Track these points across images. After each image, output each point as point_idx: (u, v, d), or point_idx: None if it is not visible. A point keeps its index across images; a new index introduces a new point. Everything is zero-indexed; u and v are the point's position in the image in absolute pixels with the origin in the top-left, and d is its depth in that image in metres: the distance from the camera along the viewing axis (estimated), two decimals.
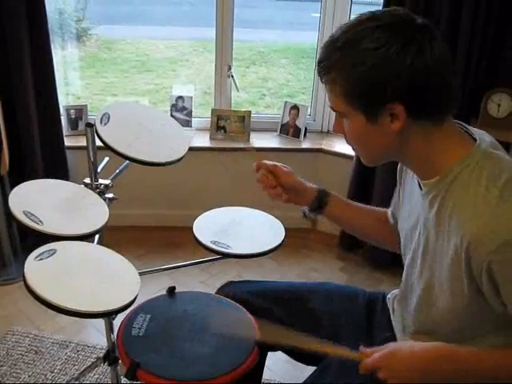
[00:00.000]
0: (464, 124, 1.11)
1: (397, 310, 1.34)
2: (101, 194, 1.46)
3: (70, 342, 2.18)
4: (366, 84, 0.96)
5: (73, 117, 2.77)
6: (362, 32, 0.96)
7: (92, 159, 1.43)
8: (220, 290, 1.53)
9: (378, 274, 2.75)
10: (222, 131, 2.88)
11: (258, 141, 2.92)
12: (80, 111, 2.78)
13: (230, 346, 1.29)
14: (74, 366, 2.07)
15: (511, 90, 2.34)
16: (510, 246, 0.92)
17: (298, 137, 2.92)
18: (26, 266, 1.05)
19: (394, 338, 1.31)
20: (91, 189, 1.46)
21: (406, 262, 1.24)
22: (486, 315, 1.07)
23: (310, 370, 1.34)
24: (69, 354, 2.13)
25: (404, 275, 1.26)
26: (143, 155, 1.51)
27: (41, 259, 1.09)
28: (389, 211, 1.44)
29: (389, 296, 1.42)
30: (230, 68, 2.85)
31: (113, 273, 1.18)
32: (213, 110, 2.88)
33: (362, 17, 0.98)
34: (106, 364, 1.67)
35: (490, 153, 1.02)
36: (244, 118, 2.87)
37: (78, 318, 2.26)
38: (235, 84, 2.89)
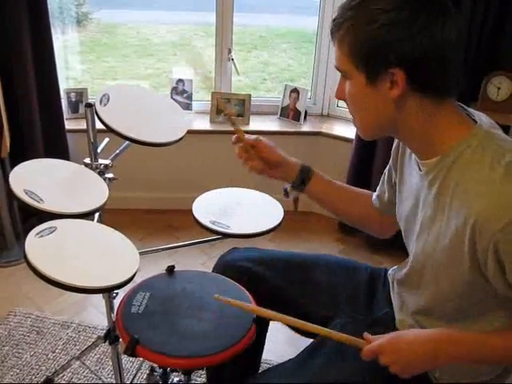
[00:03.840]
0: (463, 105, 1.10)
1: (396, 289, 1.35)
2: (101, 173, 1.47)
3: (71, 323, 2.21)
4: (372, 44, 0.96)
5: (73, 100, 2.77)
6: None
7: (92, 139, 1.44)
8: (223, 257, 1.54)
9: (377, 256, 2.76)
10: (222, 114, 2.88)
11: (259, 123, 2.92)
12: (80, 94, 2.78)
13: (228, 323, 1.30)
14: (76, 346, 2.10)
15: (510, 72, 2.35)
16: None
17: (298, 120, 2.92)
18: (26, 242, 1.07)
19: (392, 314, 1.32)
20: (91, 169, 1.47)
21: (409, 245, 1.23)
22: (486, 295, 1.07)
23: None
24: (70, 334, 2.16)
25: (409, 258, 1.25)
26: (142, 136, 1.52)
27: (41, 236, 1.10)
28: (374, 195, 1.43)
29: (390, 272, 1.42)
30: (230, 51, 2.85)
31: (112, 250, 1.20)
32: (213, 94, 2.89)
33: None
34: (106, 343, 1.68)
35: (491, 133, 1.02)
36: (244, 101, 2.87)
37: (78, 299, 2.34)
38: (236, 67, 2.89)
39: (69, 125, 2.71)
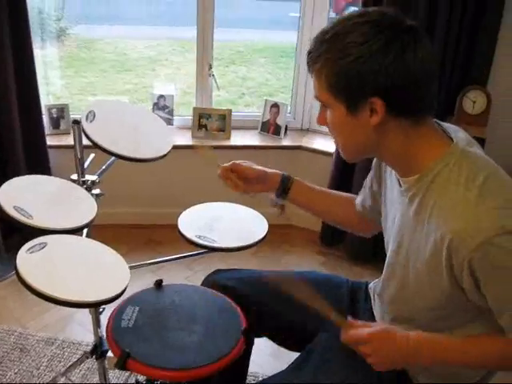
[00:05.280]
0: (439, 121, 1.14)
1: (377, 301, 1.39)
2: (88, 189, 1.49)
3: (55, 339, 2.20)
4: (348, 76, 1.00)
5: (54, 116, 2.77)
6: (351, 26, 0.99)
7: (79, 156, 1.45)
8: (208, 277, 1.57)
9: (358, 268, 2.81)
10: (204, 129, 2.91)
11: (239, 138, 2.96)
12: (62, 110, 2.78)
13: (217, 335, 1.32)
14: (60, 362, 2.09)
15: (485, 87, 2.43)
16: (489, 244, 0.96)
17: (279, 134, 2.96)
18: (18, 258, 1.08)
19: None
20: (78, 185, 1.48)
21: (387, 258, 1.27)
22: (466, 306, 1.11)
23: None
24: (54, 350, 2.14)
25: (384, 269, 1.30)
26: (129, 152, 1.54)
27: (32, 252, 1.11)
28: (357, 201, 1.47)
29: (370, 285, 1.47)
30: (210, 67, 2.88)
31: (103, 264, 1.21)
32: (194, 109, 2.91)
33: (352, 13, 1.02)
34: (93, 358, 1.68)
35: (467, 152, 1.06)
36: (225, 116, 2.91)
37: (62, 315, 2.33)
38: (216, 83, 2.93)
39: (50, 141, 2.71)
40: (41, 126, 2.61)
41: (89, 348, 2.15)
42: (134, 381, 1.83)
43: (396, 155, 1.10)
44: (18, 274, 1.06)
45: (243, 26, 6.53)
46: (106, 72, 5.32)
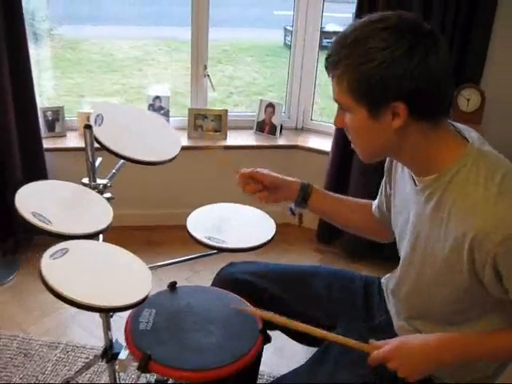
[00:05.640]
0: (452, 122, 1.16)
1: (390, 297, 1.42)
2: (99, 193, 1.49)
3: (58, 343, 2.19)
4: (371, 82, 1.01)
5: (50, 119, 2.76)
6: (371, 32, 1.01)
7: (91, 159, 1.45)
8: (221, 271, 1.58)
9: (355, 265, 2.84)
10: (200, 130, 2.91)
11: (235, 139, 2.96)
12: (57, 113, 2.77)
13: (235, 335, 1.34)
14: (65, 366, 2.08)
15: (478, 85, 2.47)
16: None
17: (274, 134, 2.98)
18: (42, 265, 1.08)
19: (389, 320, 1.38)
20: (90, 188, 1.48)
21: (402, 255, 1.29)
22: (483, 299, 1.14)
23: (298, 360, 1.39)
24: (58, 355, 2.14)
25: (399, 267, 1.32)
26: (139, 155, 1.55)
27: (55, 258, 1.11)
28: (373, 204, 1.50)
29: (383, 280, 1.49)
30: (205, 68, 2.89)
31: (125, 268, 1.22)
32: (190, 110, 2.92)
33: (372, 17, 1.03)
34: (103, 362, 1.68)
35: (483, 152, 1.09)
36: (221, 116, 2.91)
37: (63, 319, 2.32)
38: (211, 83, 2.93)
39: (46, 144, 2.69)
40: (37, 129, 2.59)
41: (93, 351, 2.18)
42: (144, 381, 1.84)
43: (414, 157, 1.12)
44: (44, 281, 1.06)
45: (227, 24, 6.53)
46: (93, 73, 5.27)
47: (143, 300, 1.12)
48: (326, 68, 1.09)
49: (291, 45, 2.97)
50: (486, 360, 1.23)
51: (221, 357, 1.27)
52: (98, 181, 1.51)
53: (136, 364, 1.24)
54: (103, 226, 1.27)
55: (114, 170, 1.58)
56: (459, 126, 1.18)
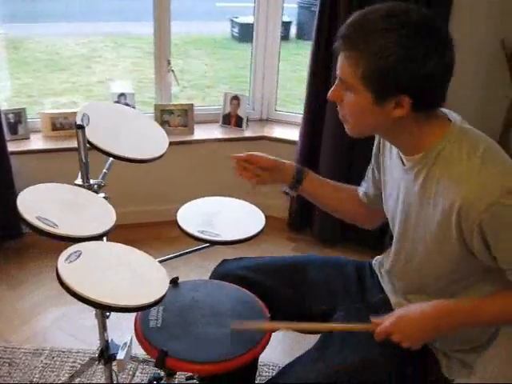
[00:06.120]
0: None
1: (385, 277, 1.48)
2: (95, 193, 1.48)
3: (43, 350, 2.15)
4: (385, 74, 1.06)
5: (12, 121, 2.67)
6: (394, 25, 1.04)
7: (84, 160, 1.43)
8: (216, 269, 1.60)
9: (328, 250, 2.90)
10: (166, 126, 2.90)
11: (202, 133, 2.97)
12: (19, 115, 2.68)
13: None
14: (53, 372, 2.05)
15: None
16: (495, 205, 1.06)
17: (241, 126, 3.00)
18: (60, 269, 1.07)
19: (386, 298, 1.45)
20: (84, 189, 1.47)
21: (395, 235, 1.36)
22: (474, 268, 1.22)
23: (298, 350, 1.42)
24: (44, 361, 2.10)
25: (393, 245, 1.38)
26: (130, 153, 1.54)
27: (70, 261, 1.10)
28: (360, 191, 1.55)
29: (374, 262, 1.56)
30: (169, 63, 2.87)
31: (139, 267, 1.22)
32: (156, 106, 2.90)
33: (396, 8, 1.07)
34: (100, 364, 1.67)
35: (464, 128, 1.17)
36: (187, 111, 2.91)
37: (43, 325, 2.28)
38: (175, 78, 2.92)
39: (10, 147, 2.60)
40: (1, 132, 2.50)
41: (79, 355, 2.16)
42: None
43: (407, 139, 1.19)
44: (64, 285, 1.05)
45: (174, 18, 6.46)
46: (40, 72, 5.13)
47: (164, 296, 1.12)
48: (340, 46, 1.11)
49: (253, 36, 2.98)
50: (481, 325, 1.31)
51: (237, 347, 1.30)
52: (92, 181, 1.49)
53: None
54: (109, 225, 1.26)
55: (104, 170, 1.56)
56: (444, 110, 1.24)
